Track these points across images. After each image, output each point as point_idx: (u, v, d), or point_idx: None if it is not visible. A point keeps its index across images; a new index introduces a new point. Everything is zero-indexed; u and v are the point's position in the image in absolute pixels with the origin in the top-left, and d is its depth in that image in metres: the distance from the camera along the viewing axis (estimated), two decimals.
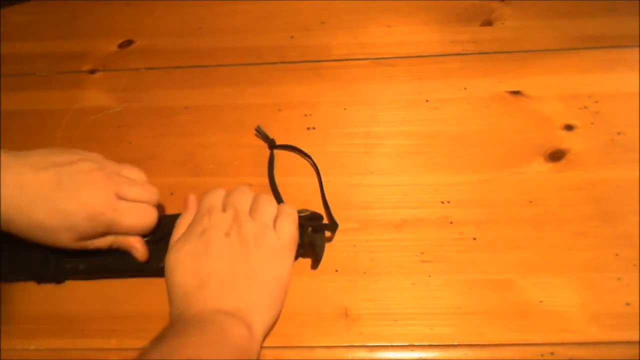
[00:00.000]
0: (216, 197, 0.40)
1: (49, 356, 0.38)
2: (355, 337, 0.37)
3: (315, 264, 0.40)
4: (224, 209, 0.39)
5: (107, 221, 0.38)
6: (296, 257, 0.40)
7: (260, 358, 0.36)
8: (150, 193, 0.40)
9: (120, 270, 0.40)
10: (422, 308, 0.38)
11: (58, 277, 0.40)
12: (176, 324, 0.34)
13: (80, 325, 0.39)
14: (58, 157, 0.38)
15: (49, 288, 0.41)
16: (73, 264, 0.40)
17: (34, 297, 0.40)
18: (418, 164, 0.46)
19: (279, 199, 0.43)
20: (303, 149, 0.47)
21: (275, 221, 0.39)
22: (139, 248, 0.39)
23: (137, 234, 0.39)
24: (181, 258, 0.37)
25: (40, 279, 0.40)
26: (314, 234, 0.40)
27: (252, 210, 0.39)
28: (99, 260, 0.40)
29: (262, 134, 0.47)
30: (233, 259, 0.36)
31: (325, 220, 0.42)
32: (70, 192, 0.37)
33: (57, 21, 0.59)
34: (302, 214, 0.41)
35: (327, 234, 0.41)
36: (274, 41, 0.55)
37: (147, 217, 0.39)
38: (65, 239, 0.37)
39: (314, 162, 0.45)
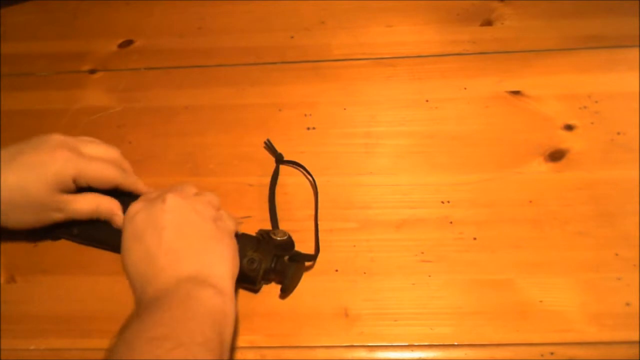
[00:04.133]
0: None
1: (49, 356, 0.38)
2: (355, 337, 0.37)
3: (282, 294, 0.39)
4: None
5: (74, 167, 0.38)
6: (267, 282, 0.40)
7: (260, 358, 0.36)
8: (109, 149, 0.42)
9: (107, 241, 0.41)
10: (422, 308, 0.38)
11: (53, 233, 0.41)
12: (139, 306, 0.33)
13: (80, 325, 0.39)
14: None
15: (49, 288, 0.41)
16: (68, 226, 0.41)
17: (34, 297, 0.40)
18: (418, 164, 0.46)
19: (274, 219, 0.42)
20: (303, 149, 0.47)
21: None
22: (119, 214, 0.40)
23: (104, 186, 0.40)
24: (127, 240, 0.36)
25: (36, 235, 0.42)
26: (287, 263, 0.39)
27: (197, 194, 0.39)
28: (90, 228, 0.41)
29: (270, 148, 0.47)
30: (177, 226, 0.35)
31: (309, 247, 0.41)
32: (35, 149, 0.39)
33: (57, 21, 0.59)
34: (279, 238, 0.39)
35: (308, 263, 0.40)
36: (273, 41, 0.55)
37: (110, 170, 0.41)
38: (42, 195, 0.38)
39: (315, 185, 0.44)
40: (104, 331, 0.38)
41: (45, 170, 0.38)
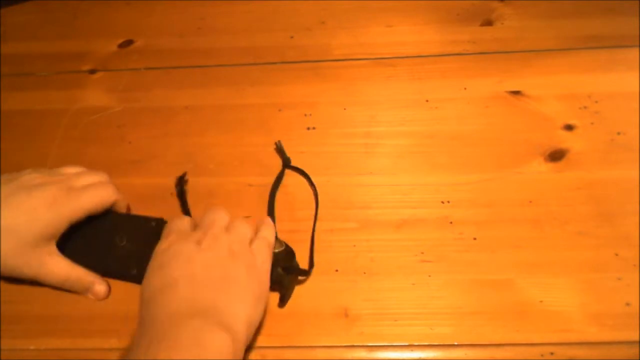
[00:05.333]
0: (183, 221, 0.39)
1: (49, 356, 0.38)
2: (355, 337, 0.37)
3: (280, 303, 0.39)
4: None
5: (67, 206, 0.38)
6: None
7: (260, 358, 0.36)
8: (98, 174, 0.42)
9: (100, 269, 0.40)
10: (422, 308, 0.38)
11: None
12: (144, 336, 0.31)
13: (80, 325, 0.39)
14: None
15: (49, 288, 0.41)
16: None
17: (34, 297, 0.40)
18: (418, 164, 0.46)
19: (272, 216, 0.43)
20: (303, 149, 0.47)
21: (251, 243, 0.37)
22: (96, 282, 0.40)
23: (102, 209, 0.40)
24: (150, 265, 0.35)
25: None
26: (283, 274, 0.39)
27: (228, 228, 0.38)
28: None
29: (280, 150, 0.47)
30: (206, 264, 0.34)
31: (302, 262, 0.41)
32: (22, 195, 0.38)
33: (57, 21, 0.59)
34: (276, 250, 0.39)
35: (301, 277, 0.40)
36: (273, 41, 0.55)
37: (105, 190, 0.41)
38: (30, 241, 0.37)
39: (316, 195, 0.44)
40: (104, 331, 0.38)
41: (41, 214, 0.37)
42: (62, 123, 0.50)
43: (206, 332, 0.31)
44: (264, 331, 0.37)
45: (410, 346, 0.37)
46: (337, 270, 0.40)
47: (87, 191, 0.40)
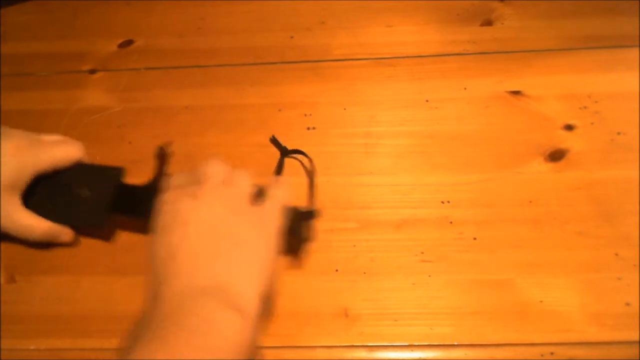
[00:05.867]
0: (181, 178, 0.37)
1: (49, 356, 0.38)
2: (355, 337, 0.37)
3: (296, 252, 0.39)
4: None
5: (34, 155, 0.39)
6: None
7: (260, 358, 0.36)
8: (70, 140, 0.42)
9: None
10: (422, 308, 0.38)
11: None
12: (152, 314, 0.30)
13: (80, 325, 0.39)
14: None
15: (49, 288, 0.41)
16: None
17: (34, 297, 0.40)
18: (418, 164, 0.46)
19: None
20: (303, 149, 0.47)
21: (258, 200, 0.36)
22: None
23: (67, 163, 0.41)
24: (156, 229, 0.34)
25: None
26: (298, 222, 0.38)
27: (226, 181, 0.36)
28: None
29: (275, 142, 0.47)
30: (202, 224, 0.32)
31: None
32: None
33: (57, 21, 0.59)
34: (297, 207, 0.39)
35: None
36: (273, 41, 0.55)
37: (72, 146, 0.41)
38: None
39: (313, 169, 0.45)
40: (104, 331, 0.38)
41: (5, 161, 0.37)
42: (62, 123, 0.50)
43: (213, 313, 0.29)
44: (264, 331, 0.37)
45: (410, 346, 0.37)
46: (337, 270, 0.40)
47: (54, 145, 0.41)
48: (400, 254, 0.41)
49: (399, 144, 0.47)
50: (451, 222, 0.42)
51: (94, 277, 0.41)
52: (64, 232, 0.41)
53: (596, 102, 0.48)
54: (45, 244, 0.42)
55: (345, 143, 0.47)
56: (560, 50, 0.52)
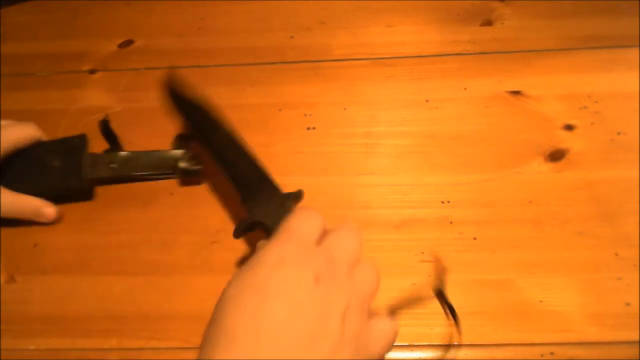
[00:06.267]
0: (313, 224, 0.30)
1: (49, 356, 0.38)
2: None
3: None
4: (319, 245, 0.29)
5: None
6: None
7: None
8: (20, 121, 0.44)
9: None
10: (422, 308, 0.38)
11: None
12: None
13: (80, 325, 0.39)
14: None
15: (49, 288, 0.41)
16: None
17: (34, 297, 0.40)
18: (418, 164, 0.46)
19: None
20: (303, 149, 0.47)
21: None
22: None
23: (29, 142, 0.43)
24: (238, 290, 0.27)
25: None
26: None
27: (352, 270, 0.29)
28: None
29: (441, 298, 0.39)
30: (307, 323, 0.25)
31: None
32: None
33: (57, 21, 0.59)
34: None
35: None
36: (274, 41, 0.55)
37: (30, 126, 0.44)
38: None
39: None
40: (104, 331, 0.38)
41: None
42: (62, 123, 0.50)
43: None
44: None
45: (410, 346, 0.37)
46: None
47: (9, 127, 0.42)
48: (400, 254, 0.41)
49: (399, 144, 0.47)
50: (451, 222, 0.42)
51: (94, 277, 0.41)
52: (46, 205, 0.43)
53: (596, 102, 0.48)
54: (30, 222, 0.43)
55: (345, 143, 0.47)
56: (560, 50, 0.52)
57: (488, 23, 0.55)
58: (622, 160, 0.45)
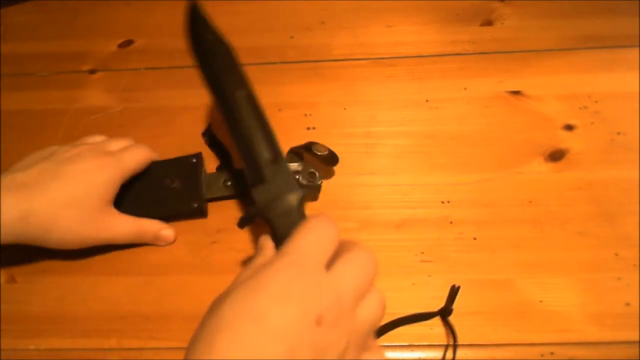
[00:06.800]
0: (325, 242, 0.29)
1: (49, 356, 0.38)
2: None
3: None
4: (328, 271, 0.28)
5: (115, 168, 0.39)
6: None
7: None
8: (124, 139, 0.44)
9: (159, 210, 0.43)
10: (422, 308, 0.38)
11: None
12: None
13: (80, 325, 0.39)
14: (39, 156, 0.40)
15: (49, 288, 0.41)
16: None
17: (34, 297, 0.40)
18: (418, 164, 0.46)
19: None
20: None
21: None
22: (164, 228, 0.42)
23: (144, 166, 0.42)
24: (235, 314, 0.25)
25: None
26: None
27: (357, 302, 0.27)
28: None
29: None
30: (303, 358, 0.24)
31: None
32: (70, 166, 0.38)
33: (57, 21, 0.59)
34: (319, 153, 0.42)
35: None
36: (274, 41, 0.55)
37: (142, 150, 0.42)
38: (94, 206, 0.38)
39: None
40: (104, 331, 0.38)
41: (95, 178, 0.38)
42: (62, 123, 0.50)
43: None
44: None
45: (410, 346, 0.37)
46: None
47: (127, 152, 0.41)
48: (400, 254, 0.41)
49: (399, 144, 0.47)
50: (451, 222, 0.42)
51: (94, 277, 0.41)
52: (165, 228, 0.42)
53: (596, 102, 0.48)
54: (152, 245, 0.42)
55: (345, 143, 0.47)
56: (560, 50, 0.52)
57: (488, 23, 0.55)
58: (622, 160, 0.45)
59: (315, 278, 0.26)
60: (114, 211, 0.40)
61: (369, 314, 0.28)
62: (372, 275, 0.29)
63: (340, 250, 0.29)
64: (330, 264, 0.28)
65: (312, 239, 0.28)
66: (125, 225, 0.40)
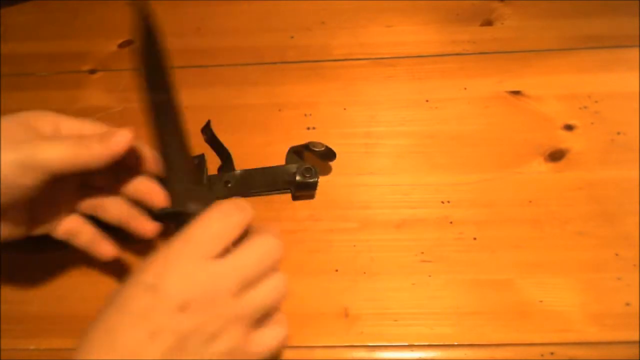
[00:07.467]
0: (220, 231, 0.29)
1: (49, 356, 0.38)
2: (355, 337, 0.37)
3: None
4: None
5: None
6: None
7: None
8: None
9: None
10: (422, 308, 0.38)
11: None
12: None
13: (80, 325, 0.38)
14: None
15: (49, 288, 0.41)
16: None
17: (34, 297, 0.40)
18: (418, 164, 0.46)
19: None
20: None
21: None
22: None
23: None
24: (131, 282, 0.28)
25: None
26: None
27: (243, 288, 0.28)
28: None
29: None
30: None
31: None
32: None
33: (57, 21, 0.59)
34: (317, 149, 0.43)
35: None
36: (274, 41, 0.55)
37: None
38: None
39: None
40: None
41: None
42: None
43: None
44: None
45: (410, 346, 0.37)
46: (337, 270, 0.40)
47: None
48: (400, 254, 0.41)
49: (399, 144, 0.47)
50: (451, 222, 0.42)
51: (94, 277, 0.41)
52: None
53: (596, 102, 0.48)
54: None
55: (345, 143, 0.47)
56: (560, 50, 0.52)
57: (488, 23, 0.55)
58: (622, 160, 0.45)
59: (188, 267, 0.27)
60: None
61: (260, 297, 0.29)
62: (272, 261, 0.29)
63: (248, 236, 0.30)
64: (231, 249, 0.29)
65: (201, 229, 0.29)
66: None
